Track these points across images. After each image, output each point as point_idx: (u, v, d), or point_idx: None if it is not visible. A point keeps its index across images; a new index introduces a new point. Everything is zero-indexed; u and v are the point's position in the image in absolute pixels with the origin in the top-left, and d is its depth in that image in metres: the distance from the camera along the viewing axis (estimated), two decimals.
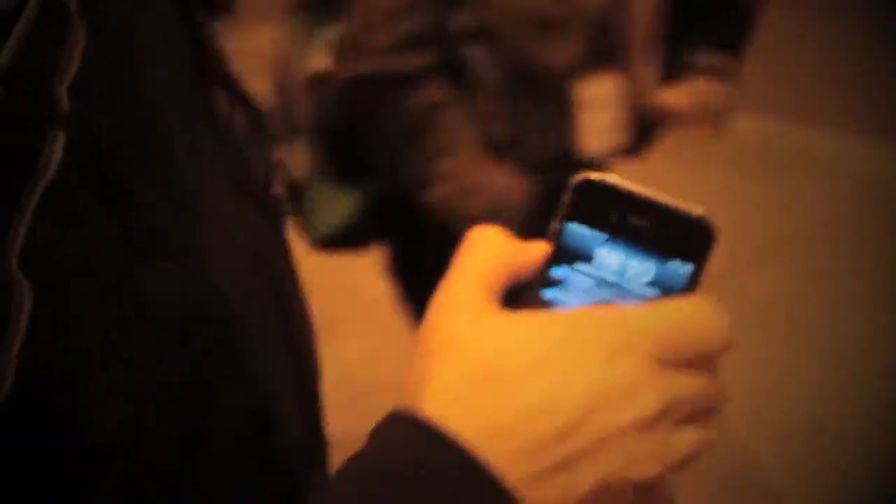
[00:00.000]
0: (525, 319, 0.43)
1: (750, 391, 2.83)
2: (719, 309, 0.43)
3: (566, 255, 0.44)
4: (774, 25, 4.69)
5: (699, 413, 0.43)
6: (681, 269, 0.44)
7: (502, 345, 0.42)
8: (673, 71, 2.04)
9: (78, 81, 0.40)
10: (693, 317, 0.43)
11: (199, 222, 0.49)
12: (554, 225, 0.44)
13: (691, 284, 0.44)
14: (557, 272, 0.45)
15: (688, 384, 0.43)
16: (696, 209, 0.44)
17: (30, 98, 0.39)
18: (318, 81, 1.74)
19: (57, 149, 0.39)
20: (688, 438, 0.43)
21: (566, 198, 0.44)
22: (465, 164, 1.61)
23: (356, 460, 0.41)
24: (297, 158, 1.84)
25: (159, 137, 0.47)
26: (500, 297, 0.44)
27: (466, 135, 1.62)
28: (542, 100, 1.66)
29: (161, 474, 0.46)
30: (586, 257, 0.44)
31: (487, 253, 0.44)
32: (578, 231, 0.44)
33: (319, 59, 1.74)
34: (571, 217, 0.44)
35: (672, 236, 0.44)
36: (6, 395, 0.36)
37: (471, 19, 1.58)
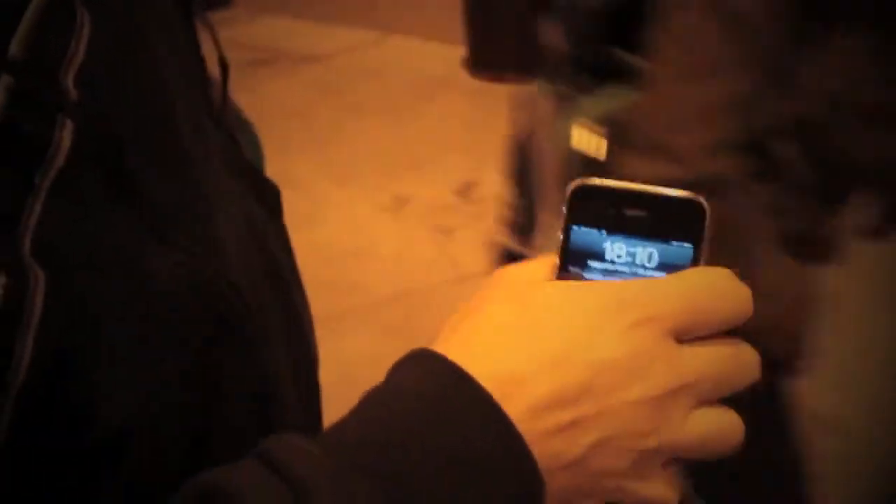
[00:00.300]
0: (559, 284, 0.47)
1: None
2: (736, 278, 0.46)
3: (575, 257, 0.47)
4: None
5: (723, 393, 0.45)
6: (683, 248, 0.47)
7: (533, 302, 0.45)
8: None
9: (84, 72, 0.41)
10: (713, 288, 0.45)
11: (205, 210, 0.50)
12: (558, 233, 0.47)
13: (695, 262, 0.47)
14: (570, 272, 0.48)
15: (706, 363, 0.44)
16: (684, 192, 0.47)
17: (39, 87, 0.39)
18: (581, 168, 1.46)
19: (66, 137, 0.39)
20: (704, 419, 0.44)
21: (565, 206, 0.47)
22: (768, 270, 1.41)
23: (377, 391, 0.44)
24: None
25: (166, 126, 0.47)
26: None
27: (769, 245, 1.42)
28: (850, 196, 1.49)
29: (169, 464, 0.46)
30: (594, 255, 0.47)
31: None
32: (582, 232, 0.47)
33: (582, 138, 1.48)
34: (573, 221, 0.47)
35: (668, 220, 0.47)
36: (21, 381, 0.37)
37: (786, 114, 1.39)
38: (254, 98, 5.25)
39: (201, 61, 0.62)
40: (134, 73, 0.46)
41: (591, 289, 0.46)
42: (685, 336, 0.45)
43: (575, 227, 0.47)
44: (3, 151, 0.38)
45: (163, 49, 0.50)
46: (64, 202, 0.39)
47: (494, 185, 4.19)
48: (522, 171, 1.65)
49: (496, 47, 5.24)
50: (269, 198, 0.68)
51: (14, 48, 0.39)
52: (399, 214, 3.86)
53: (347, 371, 2.94)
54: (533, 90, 1.60)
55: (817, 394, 2.87)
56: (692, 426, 0.44)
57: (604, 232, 0.47)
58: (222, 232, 0.51)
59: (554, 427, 0.43)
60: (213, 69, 0.66)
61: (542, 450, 0.42)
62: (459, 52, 5.50)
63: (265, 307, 0.56)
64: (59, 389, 0.39)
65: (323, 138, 4.51)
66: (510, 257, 1.76)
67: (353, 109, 4.85)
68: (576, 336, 0.44)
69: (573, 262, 0.48)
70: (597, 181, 0.48)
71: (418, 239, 3.69)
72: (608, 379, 0.43)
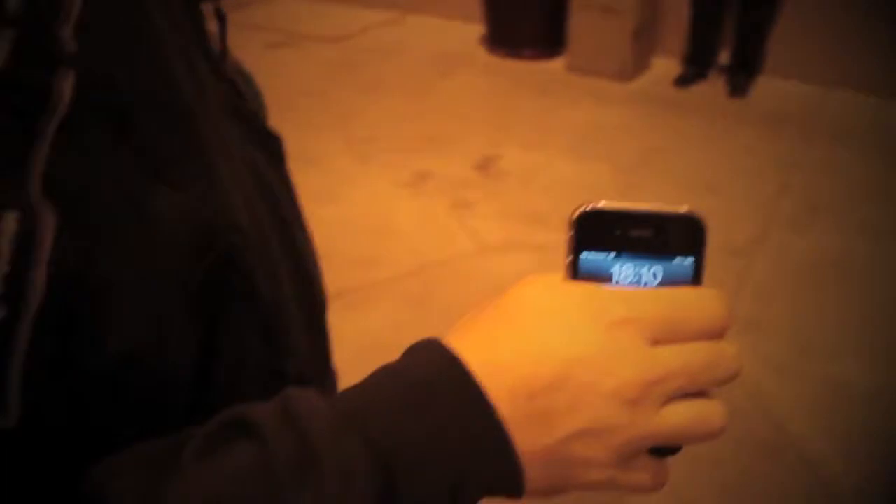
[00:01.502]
0: (556, 283, 0.49)
1: (798, 349, 2.87)
2: (718, 297, 0.49)
3: (585, 280, 0.49)
4: None
5: (696, 388, 0.48)
6: (684, 263, 0.49)
7: (526, 300, 0.49)
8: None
9: (81, 23, 0.43)
10: (690, 302, 0.48)
11: (205, 153, 0.51)
12: (568, 259, 0.49)
13: (696, 275, 0.49)
14: None
15: (677, 361, 0.47)
16: (682, 208, 0.49)
17: (38, 39, 0.41)
18: None
19: (67, 86, 0.41)
20: (680, 410, 0.48)
21: (571, 232, 0.49)
22: None
23: (386, 368, 0.48)
24: None
25: (162, 74, 0.49)
26: None
27: None
28: None
29: (179, 387, 0.50)
30: (603, 278, 0.49)
31: None
32: (590, 257, 0.49)
33: None
34: (581, 247, 0.49)
35: (670, 237, 0.49)
36: (36, 308, 0.40)
37: None
38: (274, 79, 5.21)
39: (199, 15, 0.63)
40: (128, 25, 0.47)
41: (579, 291, 0.48)
42: (661, 340, 0.48)
43: (584, 253, 0.49)
44: (9, 101, 0.40)
45: (156, 3, 0.51)
46: (68, 147, 0.41)
47: (513, 160, 4.24)
48: None
49: (514, 25, 5.26)
50: (270, 144, 0.70)
51: (12, 3, 0.40)
52: (419, 189, 3.89)
53: (372, 340, 2.98)
54: None
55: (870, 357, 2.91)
56: (667, 417, 0.47)
57: (611, 255, 0.49)
58: (223, 174, 0.53)
59: (530, 413, 0.46)
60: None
61: (519, 433, 0.46)
62: (477, 29, 5.51)
63: (268, 246, 0.58)
64: (71, 317, 0.42)
65: (344, 117, 4.54)
66: None
67: (373, 88, 4.89)
68: (557, 333, 0.47)
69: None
70: (602, 205, 0.48)
71: (438, 213, 3.72)
72: (583, 373, 0.46)
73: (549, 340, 0.47)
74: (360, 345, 2.88)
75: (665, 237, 0.49)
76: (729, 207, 3.66)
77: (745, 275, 3.28)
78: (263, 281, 0.55)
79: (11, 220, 0.39)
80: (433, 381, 0.46)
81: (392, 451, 0.44)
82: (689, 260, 0.49)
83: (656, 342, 0.48)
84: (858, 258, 3.40)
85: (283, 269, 0.60)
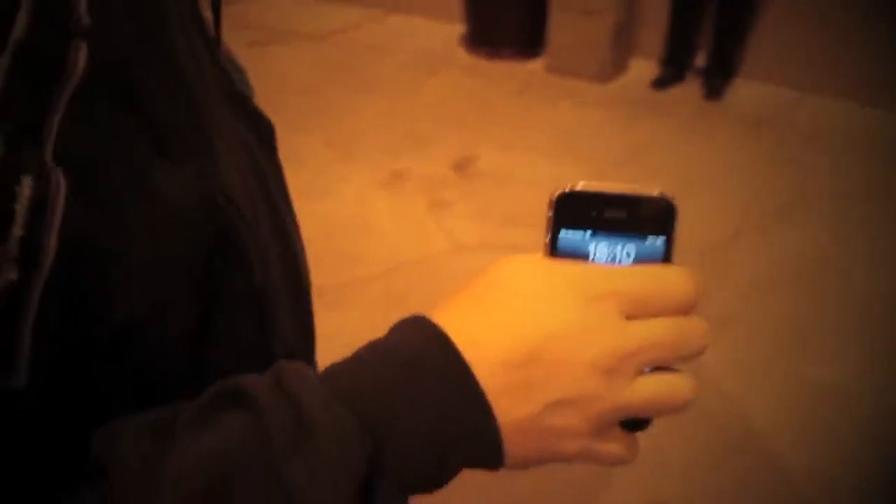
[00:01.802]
0: (530, 262, 0.51)
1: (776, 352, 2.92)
2: (689, 274, 0.52)
3: (562, 257, 0.51)
4: None
5: (669, 361, 0.51)
6: (656, 242, 0.52)
7: (504, 277, 0.51)
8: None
9: (96, 1, 0.44)
10: (664, 279, 0.51)
11: (205, 132, 0.53)
12: (546, 238, 0.51)
13: (667, 253, 0.52)
14: None
15: (650, 335, 0.50)
16: (655, 191, 0.52)
17: (55, 11, 0.42)
18: None
19: (81, 57, 0.43)
20: (652, 382, 0.50)
21: (550, 212, 0.51)
22: None
23: (374, 345, 0.50)
24: None
25: (168, 55, 0.51)
26: None
27: None
28: None
29: (171, 363, 0.51)
30: (580, 255, 0.51)
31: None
32: (568, 236, 0.51)
33: None
34: (559, 226, 0.51)
35: (643, 218, 0.52)
36: (47, 274, 0.41)
37: None
38: (259, 75, 5.17)
39: (196, 2, 0.64)
40: (138, 5, 0.49)
41: (556, 267, 0.50)
42: (635, 315, 0.50)
43: (562, 231, 0.51)
44: (26, 71, 0.41)
45: None
46: (79, 118, 0.42)
47: (490, 160, 4.26)
48: None
49: (494, 25, 5.28)
50: (261, 128, 0.71)
51: None
52: (398, 189, 3.90)
53: (349, 337, 2.97)
54: None
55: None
56: (640, 389, 0.50)
57: (587, 233, 0.51)
58: (221, 153, 0.54)
59: (508, 386, 0.48)
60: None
61: (499, 405, 0.48)
62: (458, 29, 5.51)
63: (261, 225, 0.59)
64: (78, 283, 0.43)
65: (326, 114, 4.56)
66: None
67: (356, 86, 4.89)
68: (536, 308, 0.49)
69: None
70: (580, 187, 0.51)
71: (416, 213, 3.75)
72: (560, 346, 0.48)
73: (528, 315, 0.49)
74: (335, 342, 2.91)
75: (638, 217, 0.51)
76: (703, 209, 3.70)
77: (721, 275, 3.33)
78: (256, 259, 0.56)
79: (27, 186, 0.40)
80: (421, 358, 0.48)
81: (380, 430, 0.46)
82: (661, 239, 0.52)
83: (631, 316, 0.50)
84: (832, 260, 3.45)
85: (273, 250, 0.62)
